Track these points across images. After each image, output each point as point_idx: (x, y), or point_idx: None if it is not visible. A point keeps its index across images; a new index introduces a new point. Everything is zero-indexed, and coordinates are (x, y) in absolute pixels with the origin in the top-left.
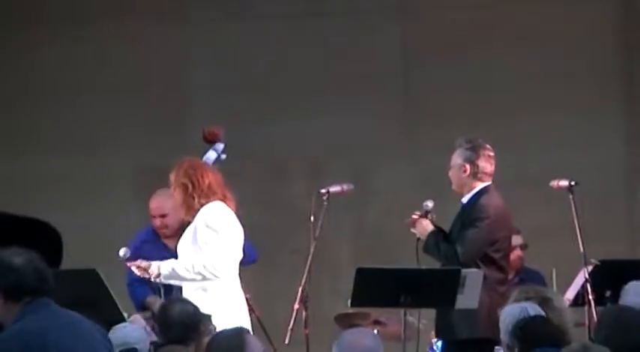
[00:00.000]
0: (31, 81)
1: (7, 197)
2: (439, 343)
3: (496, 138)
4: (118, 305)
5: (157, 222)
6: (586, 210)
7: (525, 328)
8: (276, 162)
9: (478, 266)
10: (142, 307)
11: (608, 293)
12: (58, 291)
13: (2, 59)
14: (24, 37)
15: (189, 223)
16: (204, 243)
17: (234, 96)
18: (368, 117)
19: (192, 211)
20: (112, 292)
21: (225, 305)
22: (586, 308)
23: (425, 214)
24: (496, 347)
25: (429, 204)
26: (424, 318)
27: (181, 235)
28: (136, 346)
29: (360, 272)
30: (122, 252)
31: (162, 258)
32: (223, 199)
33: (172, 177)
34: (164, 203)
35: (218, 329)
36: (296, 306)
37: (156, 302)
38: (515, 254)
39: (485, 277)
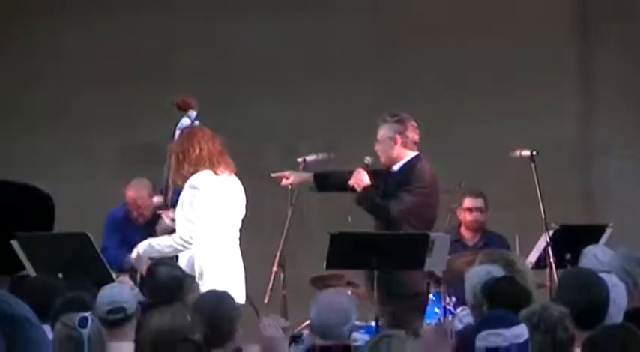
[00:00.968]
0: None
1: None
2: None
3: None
4: (107, 267)
5: (133, 209)
6: (544, 179)
7: (494, 288)
8: (253, 143)
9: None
10: (120, 270)
11: (568, 256)
12: (51, 254)
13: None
14: (21, 25)
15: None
16: (188, 204)
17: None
18: (343, 103)
19: (182, 178)
20: (101, 255)
21: (214, 266)
22: (547, 270)
23: (365, 168)
24: (462, 307)
25: (369, 158)
26: None
27: (153, 221)
28: (125, 305)
29: (334, 237)
30: (156, 199)
31: (134, 235)
32: (212, 168)
33: (171, 144)
34: (138, 193)
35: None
36: (274, 269)
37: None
38: (474, 216)
39: None
